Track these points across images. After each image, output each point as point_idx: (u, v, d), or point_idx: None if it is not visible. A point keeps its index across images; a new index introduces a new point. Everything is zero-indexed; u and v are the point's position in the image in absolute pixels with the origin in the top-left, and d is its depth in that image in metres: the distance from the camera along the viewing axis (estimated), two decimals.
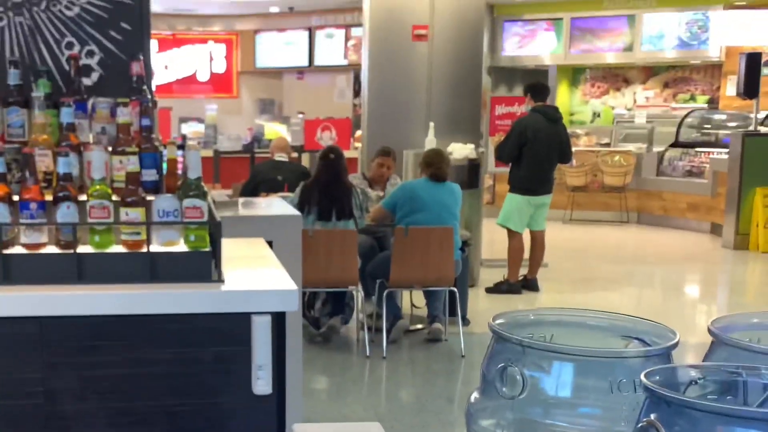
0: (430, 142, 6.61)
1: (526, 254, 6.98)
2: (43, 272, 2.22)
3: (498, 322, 1.47)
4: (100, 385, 2.16)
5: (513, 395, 1.33)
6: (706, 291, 7.79)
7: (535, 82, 7.15)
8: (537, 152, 6.66)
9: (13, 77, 2.64)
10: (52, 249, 2.29)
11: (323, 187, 5.20)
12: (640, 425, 1.10)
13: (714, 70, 12.30)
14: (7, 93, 2.64)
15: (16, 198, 2.29)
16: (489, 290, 6.87)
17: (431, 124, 6.79)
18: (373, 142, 6.79)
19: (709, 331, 1.59)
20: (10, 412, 2.10)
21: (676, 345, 1.50)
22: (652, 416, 1.09)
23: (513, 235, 6.83)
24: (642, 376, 1.15)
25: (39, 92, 2.63)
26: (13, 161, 2.49)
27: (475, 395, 1.44)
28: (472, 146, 6.90)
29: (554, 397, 1.37)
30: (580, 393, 1.40)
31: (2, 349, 2.13)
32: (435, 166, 5.40)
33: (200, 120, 13.88)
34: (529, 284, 6.95)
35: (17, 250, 2.28)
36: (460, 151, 6.74)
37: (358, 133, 9.55)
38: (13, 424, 2.13)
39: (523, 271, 6.95)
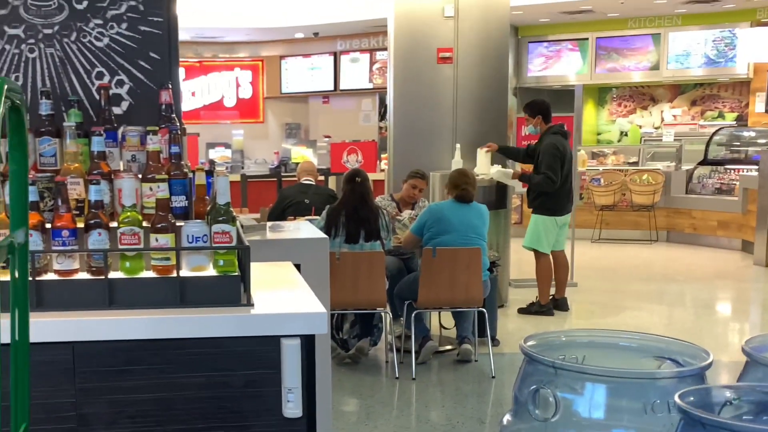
0: (457, 163, 6.62)
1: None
2: (74, 298, 2.25)
3: (529, 343, 1.46)
4: (132, 409, 2.18)
5: (546, 417, 1.32)
6: (738, 309, 7.68)
7: (541, 103, 6.85)
8: (568, 172, 6.68)
9: (45, 107, 2.68)
10: (83, 275, 2.32)
11: (350, 210, 5.22)
12: None
13: (742, 87, 12.21)
14: (40, 123, 2.68)
15: (48, 226, 2.33)
16: (521, 311, 6.87)
17: (457, 145, 6.80)
18: (400, 164, 6.82)
19: (743, 350, 1.57)
20: None
21: (710, 365, 1.48)
22: None
23: (540, 256, 6.80)
24: (676, 397, 1.14)
25: (70, 122, 2.67)
26: (46, 190, 2.53)
27: (507, 417, 1.43)
28: (499, 166, 6.90)
29: (587, 419, 1.35)
30: (614, 415, 1.38)
31: (35, 374, 2.14)
32: (461, 187, 5.40)
33: (227, 145, 14.02)
34: (559, 304, 6.92)
35: (50, 276, 2.31)
36: (499, 172, 6.73)
37: (384, 155, 9.59)
38: None
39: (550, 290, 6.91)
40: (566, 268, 7.00)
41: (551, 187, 6.56)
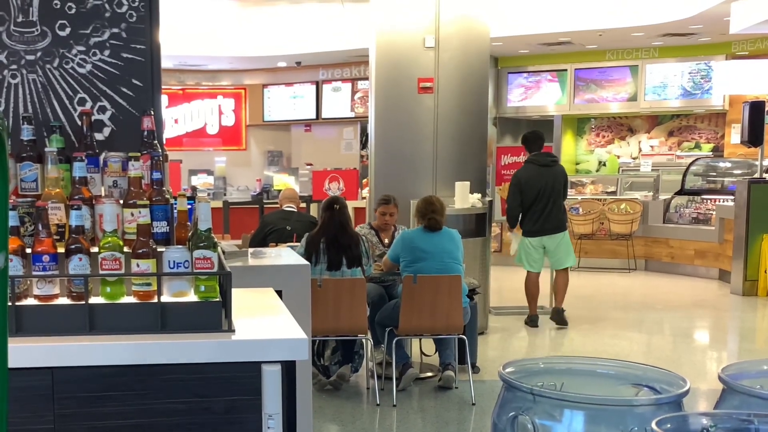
0: (460, 200, 6.76)
1: (545, 290, 7.63)
2: (54, 323, 2.24)
3: (508, 370, 1.47)
4: None
5: None
6: (716, 338, 7.73)
7: (528, 134, 7.53)
8: (530, 198, 7.19)
9: (27, 133, 2.69)
10: (64, 300, 2.32)
11: (330, 237, 5.23)
12: None
13: (718, 118, 12.39)
14: (21, 148, 2.68)
15: (29, 250, 2.32)
16: (526, 322, 7.50)
17: (459, 183, 6.81)
18: (380, 191, 6.84)
19: (720, 378, 1.59)
20: None
21: (686, 392, 1.50)
22: None
23: (528, 275, 7.46)
24: (653, 425, 1.15)
25: (52, 147, 2.67)
26: (27, 215, 2.53)
27: None
28: (478, 195, 6.94)
29: None
30: None
31: (14, 400, 2.12)
32: (427, 217, 5.42)
33: (210, 172, 14.00)
34: (554, 314, 7.47)
35: (30, 301, 2.31)
36: (470, 199, 6.87)
37: (366, 180, 9.61)
38: None
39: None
40: (563, 283, 7.51)
41: (511, 216, 7.34)
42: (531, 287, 7.45)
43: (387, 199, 6.11)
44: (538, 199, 7.18)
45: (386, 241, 6.08)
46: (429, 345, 5.96)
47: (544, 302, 7.77)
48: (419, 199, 5.73)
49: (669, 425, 1.20)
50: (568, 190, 7.76)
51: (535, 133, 7.48)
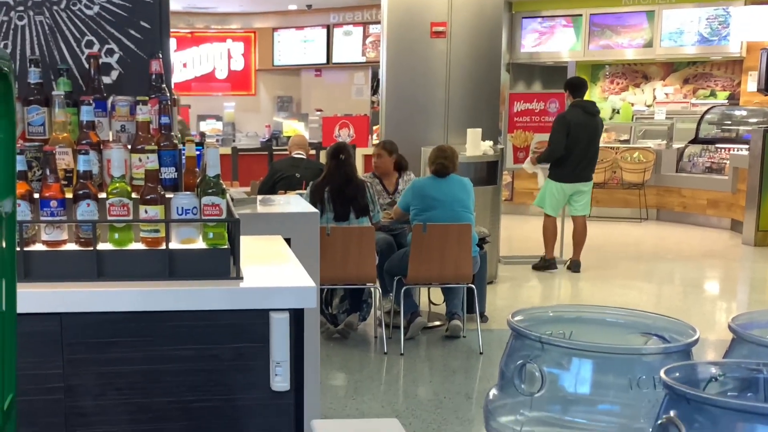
0: (472, 148, 6.70)
1: (568, 237, 7.69)
2: (62, 269, 2.24)
3: (517, 319, 1.46)
4: (120, 381, 2.18)
5: (532, 392, 1.33)
6: (727, 288, 7.73)
7: (573, 79, 7.74)
8: (576, 144, 7.22)
9: (34, 76, 2.66)
10: (72, 246, 2.31)
11: (335, 189, 5.20)
12: (659, 422, 1.09)
13: (735, 66, 12.18)
14: (28, 91, 2.65)
15: (36, 196, 2.31)
16: (533, 267, 7.58)
17: (471, 130, 6.76)
18: (392, 138, 6.79)
19: (730, 327, 1.57)
20: (31, 407, 2.12)
21: (696, 342, 1.48)
22: (672, 413, 1.08)
23: (547, 217, 7.52)
24: (661, 373, 1.14)
25: (59, 91, 2.64)
26: (34, 159, 2.51)
27: (493, 392, 1.44)
28: (490, 143, 6.89)
29: (573, 394, 1.36)
30: (599, 390, 1.39)
31: (23, 345, 2.13)
32: (436, 162, 5.39)
33: (219, 117, 13.93)
34: (572, 265, 7.51)
35: (38, 247, 2.30)
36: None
37: (377, 127, 9.56)
38: (34, 420, 2.15)
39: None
40: (583, 232, 7.53)
41: (552, 156, 7.30)
42: (550, 228, 7.53)
43: (382, 144, 6.14)
44: (582, 146, 7.24)
45: (391, 188, 6.06)
46: (437, 294, 5.98)
47: (556, 252, 7.76)
48: (431, 147, 5.69)
49: (677, 374, 1.19)
50: None
51: (581, 80, 7.70)
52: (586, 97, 7.52)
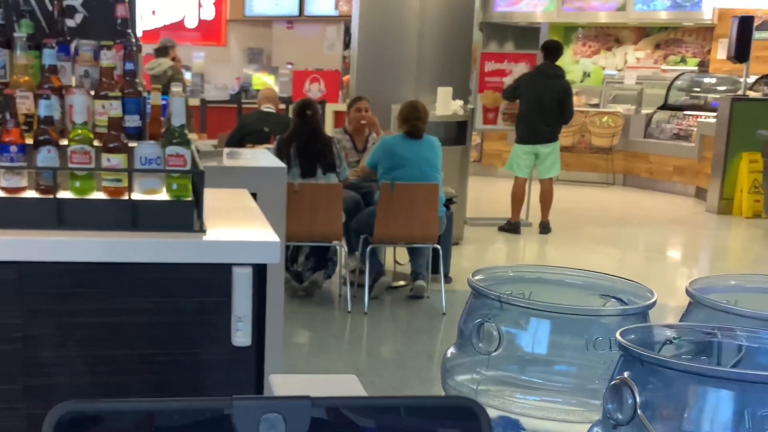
0: (442, 107, 6.64)
1: (534, 200, 7.76)
2: (22, 217, 2.21)
3: (477, 278, 1.46)
4: (80, 332, 2.16)
5: (489, 351, 1.34)
6: (688, 254, 7.85)
7: (549, 42, 7.74)
8: (528, 104, 7.31)
9: None
10: (31, 193, 2.27)
11: (302, 144, 5.16)
12: (612, 383, 1.10)
13: (706, 32, 12.24)
14: None
15: None
16: (500, 228, 7.70)
17: (442, 89, 6.72)
18: (362, 94, 6.74)
19: (687, 291, 1.59)
20: None
21: (653, 305, 1.50)
22: (625, 374, 1.09)
23: (515, 180, 7.64)
24: (617, 335, 1.15)
25: (21, 33, 2.57)
26: None
27: (451, 350, 1.44)
28: (460, 102, 6.87)
29: (530, 354, 1.37)
30: (556, 350, 1.40)
31: None
32: (410, 122, 5.35)
33: (187, 67, 13.70)
34: (541, 226, 7.66)
35: None
36: (452, 106, 6.82)
37: (346, 78, 9.47)
38: None
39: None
40: (549, 194, 7.68)
41: (504, 95, 7.58)
42: (518, 192, 7.63)
43: (360, 97, 6.07)
44: (533, 107, 7.29)
45: (360, 146, 6.02)
46: (403, 254, 6.00)
47: (522, 216, 7.82)
48: (402, 103, 5.65)
49: (633, 336, 1.21)
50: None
51: (556, 44, 7.69)
52: (558, 62, 7.52)
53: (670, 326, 1.31)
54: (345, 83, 10.60)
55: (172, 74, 8.65)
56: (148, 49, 7.87)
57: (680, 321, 1.62)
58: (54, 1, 2.72)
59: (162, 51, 9.03)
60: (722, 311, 1.50)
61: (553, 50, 7.49)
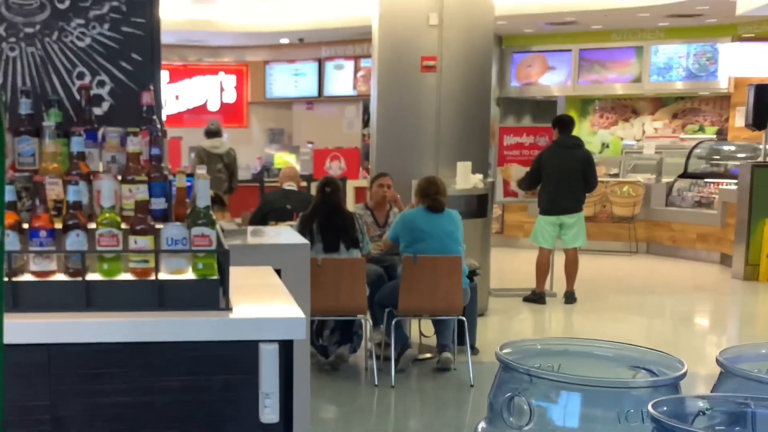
0: (462, 181, 6.73)
1: (559, 270, 7.76)
2: (51, 300, 2.23)
3: (505, 351, 1.46)
4: (108, 412, 2.16)
5: (520, 425, 1.32)
6: (716, 322, 7.74)
7: (559, 117, 7.92)
8: (550, 178, 7.35)
9: (25, 107, 2.66)
10: (61, 277, 2.30)
11: (323, 220, 5.21)
12: None
13: (723, 101, 12.32)
14: (19, 122, 2.66)
15: (26, 226, 2.31)
16: (524, 299, 7.65)
17: (461, 163, 6.78)
18: (382, 170, 6.82)
19: (717, 361, 1.58)
20: None
21: (684, 375, 1.49)
22: None
23: (540, 250, 7.63)
24: (649, 407, 1.14)
25: (50, 121, 2.65)
26: (24, 189, 2.51)
27: (482, 425, 1.43)
28: (480, 176, 6.92)
29: (561, 428, 1.36)
30: (588, 423, 1.38)
31: (10, 376, 2.12)
32: (431, 197, 5.40)
33: None
34: (567, 296, 7.62)
35: (26, 277, 2.30)
36: (472, 179, 6.88)
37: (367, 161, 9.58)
38: None
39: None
40: (574, 264, 7.67)
41: (522, 186, 7.72)
42: (543, 262, 7.63)
43: (384, 173, 6.13)
44: (555, 179, 7.33)
45: (381, 221, 6.07)
46: (428, 326, 5.96)
47: (546, 286, 7.78)
48: (421, 178, 5.70)
49: (665, 407, 1.19)
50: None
51: (567, 117, 7.86)
52: (574, 133, 7.59)
53: (702, 397, 1.30)
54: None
55: (234, 153, 9.11)
56: (172, 133, 8.03)
57: (711, 391, 1.59)
58: (81, 90, 2.81)
59: (217, 132, 9.35)
60: (754, 380, 1.48)
61: (566, 124, 7.57)
